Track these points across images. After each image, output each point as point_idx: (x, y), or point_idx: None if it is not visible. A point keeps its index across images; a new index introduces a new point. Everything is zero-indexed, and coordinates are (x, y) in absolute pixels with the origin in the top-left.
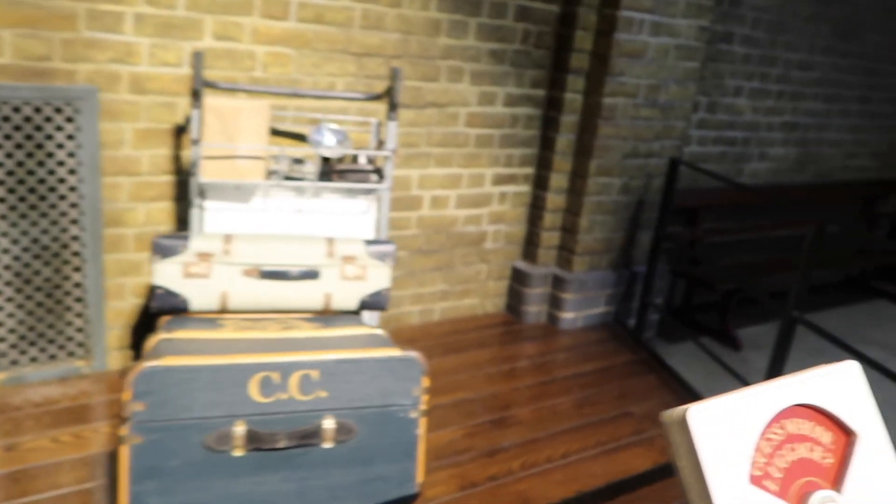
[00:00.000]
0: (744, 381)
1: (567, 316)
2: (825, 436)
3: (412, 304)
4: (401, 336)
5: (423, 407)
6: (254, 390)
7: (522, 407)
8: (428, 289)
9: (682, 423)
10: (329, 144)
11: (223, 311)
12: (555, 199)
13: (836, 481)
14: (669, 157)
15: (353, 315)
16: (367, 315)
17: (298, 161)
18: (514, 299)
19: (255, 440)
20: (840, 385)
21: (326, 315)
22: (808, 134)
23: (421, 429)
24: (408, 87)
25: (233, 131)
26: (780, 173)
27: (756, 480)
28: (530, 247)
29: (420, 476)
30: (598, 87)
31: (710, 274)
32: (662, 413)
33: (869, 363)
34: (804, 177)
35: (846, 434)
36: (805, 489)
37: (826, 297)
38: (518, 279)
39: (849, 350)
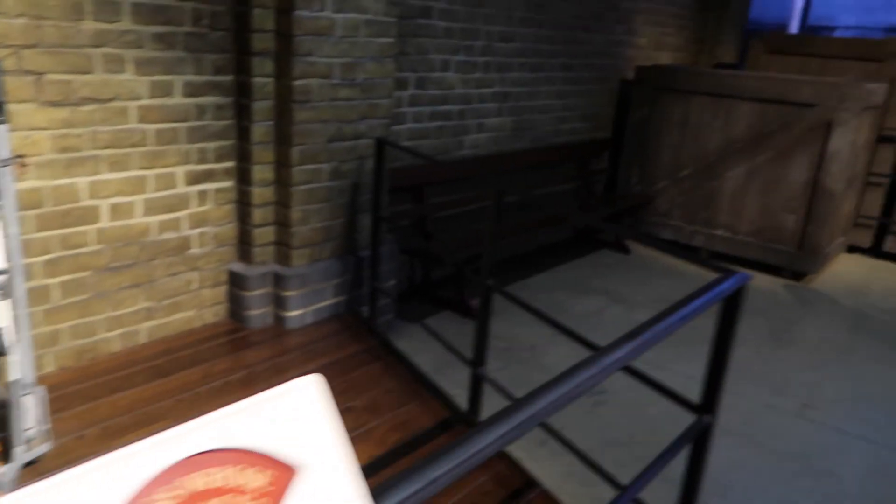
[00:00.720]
0: (461, 357)
1: (293, 314)
2: (258, 478)
3: (109, 330)
4: (98, 368)
5: None
6: None
7: None
8: (127, 309)
9: None
10: None
11: None
12: (262, 193)
13: None
14: (377, 136)
15: None
16: (13, 359)
17: None
18: (236, 304)
19: None
20: (288, 408)
21: None
22: (520, 102)
23: None
24: (52, 81)
25: None
26: (500, 142)
27: None
28: (244, 246)
29: None
30: (288, 69)
31: (440, 248)
32: None
33: (564, 331)
34: (523, 143)
35: (290, 469)
36: None
37: (560, 254)
38: (236, 282)
39: (538, 315)
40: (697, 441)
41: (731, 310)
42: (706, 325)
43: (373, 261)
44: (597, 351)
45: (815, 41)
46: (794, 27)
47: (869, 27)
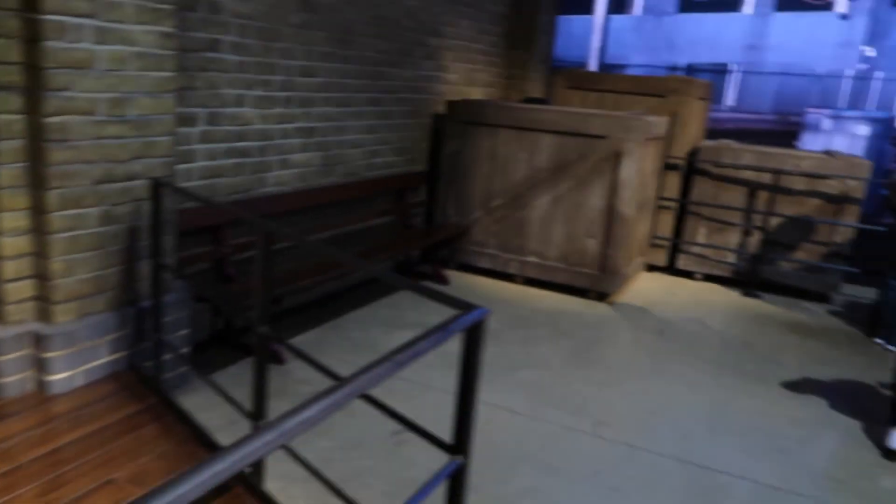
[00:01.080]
0: (243, 411)
1: (58, 377)
2: None
3: None
4: None
5: None
6: None
7: None
8: None
9: None
10: None
11: None
12: (14, 244)
13: None
14: (154, 177)
15: None
16: None
17: None
18: None
19: None
20: None
21: None
22: (328, 137)
23: None
24: None
25: None
26: (307, 177)
27: None
28: None
29: None
30: (39, 106)
31: (237, 293)
32: None
33: (335, 377)
34: (334, 178)
35: None
36: None
37: (379, 288)
38: None
39: (316, 365)
40: (453, 481)
41: (472, 343)
42: (516, 352)
43: (155, 311)
44: (339, 382)
45: (608, 78)
46: (593, 65)
47: (655, 66)
